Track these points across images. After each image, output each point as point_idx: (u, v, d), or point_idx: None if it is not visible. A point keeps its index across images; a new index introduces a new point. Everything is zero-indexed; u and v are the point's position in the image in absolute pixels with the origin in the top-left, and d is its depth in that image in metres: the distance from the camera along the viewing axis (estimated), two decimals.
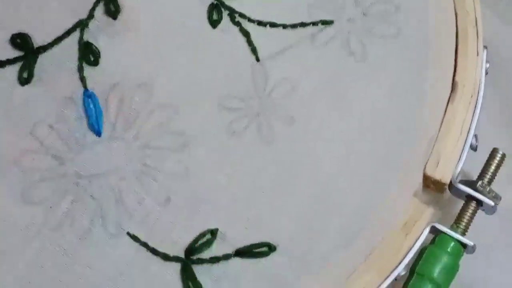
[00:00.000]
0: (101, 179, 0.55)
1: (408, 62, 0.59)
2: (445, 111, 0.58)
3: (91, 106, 0.56)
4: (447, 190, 0.57)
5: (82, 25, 0.59)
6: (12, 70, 0.58)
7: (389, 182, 0.56)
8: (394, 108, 0.57)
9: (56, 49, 0.58)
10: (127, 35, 0.59)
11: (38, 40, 0.59)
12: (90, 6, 0.59)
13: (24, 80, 0.58)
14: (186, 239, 0.54)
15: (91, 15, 0.59)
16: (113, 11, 0.59)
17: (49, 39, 0.59)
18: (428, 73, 0.58)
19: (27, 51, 0.58)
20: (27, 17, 0.59)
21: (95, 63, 0.58)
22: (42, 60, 0.58)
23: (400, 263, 0.54)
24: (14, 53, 0.58)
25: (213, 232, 0.54)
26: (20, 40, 0.58)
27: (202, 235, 0.54)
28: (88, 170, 0.55)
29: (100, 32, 0.59)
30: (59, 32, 0.59)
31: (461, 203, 0.57)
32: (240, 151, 0.56)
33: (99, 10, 0.59)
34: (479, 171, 0.57)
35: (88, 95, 0.57)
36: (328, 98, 0.58)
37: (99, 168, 0.56)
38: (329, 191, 0.56)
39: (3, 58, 0.58)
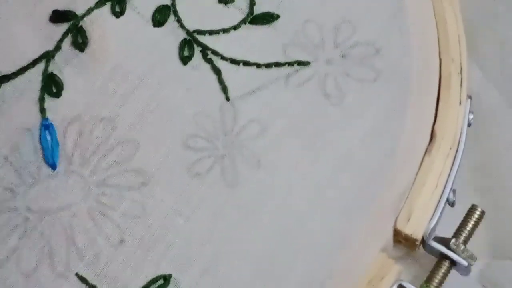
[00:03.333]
0: (53, 216, 0.53)
1: (386, 108, 0.56)
2: (421, 162, 0.54)
3: (48, 137, 0.54)
4: (421, 246, 0.53)
5: (48, 56, 0.57)
6: None
7: (356, 234, 0.53)
8: (367, 155, 0.54)
9: (19, 79, 0.56)
10: (93, 67, 0.57)
11: (2, 69, 0.57)
12: (58, 37, 0.57)
13: None
14: (138, 283, 0.51)
15: (58, 47, 0.57)
16: (80, 44, 0.57)
17: (14, 69, 0.57)
18: (406, 121, 0.55)
19: None
20: None
21: (57, 95, 0.56)
22: (4, 89, 0.56)
23: None
24: None
25: (166, 278, 0.51)
26: None
27: (154, 280, 0.51)
28: (40, 205, 0.53)
29: (66, 64, 0.57)
30: (24, 62, 0.57)
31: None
32: (201, 193, 0.54)
33: (67, 42, 0.57)
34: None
35: (46, 126, 0.54)
36: (299, 142, 0.55)
37: (51, 203, 0.53)
38: (291, 239, 0.52)
39: None
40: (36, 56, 0.57)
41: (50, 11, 0.58)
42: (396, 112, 0.56)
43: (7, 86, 0.56)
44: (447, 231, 0.55)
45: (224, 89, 0.56)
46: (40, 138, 0.55)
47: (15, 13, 0.59)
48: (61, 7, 0.58)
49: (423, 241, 0.53)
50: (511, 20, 0.72)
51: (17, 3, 0.59)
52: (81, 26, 0.58)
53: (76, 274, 0.52)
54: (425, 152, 0.55)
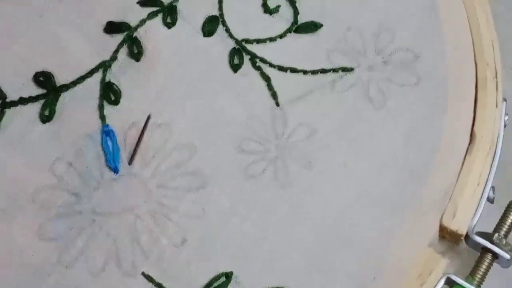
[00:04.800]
0: (117, 217, 0.55)
1: (427, 111, 0.59)
2: (463, 162, 0.58)
3: (109, 143, 0.57)
4: (463, 241, 0.56)
5: (105, 66, 0.60)
6: (33, 107, 0.59)
7: (403, 229, 0.56)
8: (410, 155, 0.58)
9: (78, 88, 0.59)
10: (148, 76, 0.60)
11: (61, 78, 0.59)
12: (113, 47, 0.60)
13: (46, 117, 0.58)
14: (200, 281, 0.54)
15: (114, 57, 0.60)
16: (135, 54, 0.60)
17: (72, 78, 0.59)
18: (446, 123, 0.59)
19: (49, 89, 0.59)
20: (51, 56, 0.60)
21: (116, 102, 0.59)
22: (64, 98, 0.59)
23: None
24: (37, 91, 0.59)
25: (228, 275, 0.54)
26: (43, 78, 0.59)
27: (217, 277, 0.54)
28: (105, 207, 0.56)
29: (122, 73, 0.60)
30: (82, 72, 0.59)
31: (476, 253, 0.57)
32: (256, 194, 0.57)
33: (123, 52, 0.60)
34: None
35: (106, 133, 0.57)
36: (345, 143, 0.58)
37: (115, 206, 0.56)
38: (342, 236, 0.56)
39: (26, 96, 0.59)
40: (93, 65, 0.60)
41: (103, 22, 0.61)
42: (436, 114, 0.59)
43: (67, 95, 0.59)
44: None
45: (274, 95, 0.59)
46: (102, 144, 0.57)
47: (68, 24, 0.61)
48: (113, 18, 0.61)
49: (466, 235, 0.56)
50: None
51: (69, 14, 0.62)
52: (136, 37, 0.60)
53: (142, 273, 0.54)
54: (466, 152, 0.58)
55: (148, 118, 0.55)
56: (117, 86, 0.59)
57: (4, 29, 0.61)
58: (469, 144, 0.59)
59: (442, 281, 0.55)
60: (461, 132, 0.59)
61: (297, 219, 0.56)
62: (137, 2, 0.62)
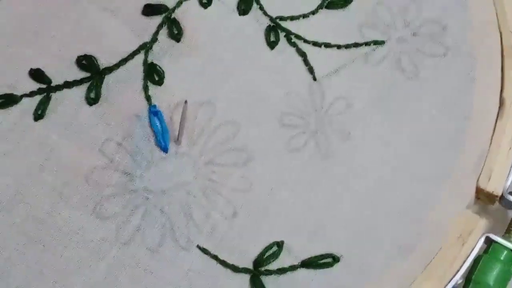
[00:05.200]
0: (170, 194, 0.58)
1: (457, 80, 0.62)
2: (494, 127, 0.61)
3: (157, 123, 0.59)
4: (497, 202, 0.60)
5: (146, 47, 0.61)
6: (79, 91, 0.60)
7: (443, 196, 0.59)
8: (444, 122, 0.60)
9: (121, 70, 0.61)
10: (189, 56, 0.61)
11: (103, 61, 0.61)
12: (153, 29, 0.62)
13: (92, 100, 0.60)
14: (253, 251, 0.57)
15: (155, 38, 0.62)
16: (175, 34, 0.62)
17: (114, 61, 0.61)
18: (476, 90, 0.61)
19: (93, 72, 0.61)
20: (92, 39, 0.62)
21: (160, 82, 0.60)
22: (108, 80, 0.61)
23: (457, 272, 0.57)
24: (81, 74, 0.61)
25: (279, 244, 0.57)
26: (86, 62, 0.61)
27: (269, 247, 0.57)
28: (157, 185, 0.58)
29: (164, 54, 0.61)
30: (124, 54, 0.61)
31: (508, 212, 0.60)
32: (300, 166, 0.59)
33: (162, 33, 0.62)
34: None
35: (154, 113, 0.59)
36: (382, 114, 0.61)
37: (167, 183, 0.58)
38: (384, 201, 0.58)
39: (70, 79, 0.60)
40: (134, 47, 0.61)
41: (139, 5, 0.63)
42: (466, 82, 0.62)
43: (110, 77, 0.61)
44: None
45: (311, 69, 0.62)
46: (150, 124, 0.59)
47: (106, 8, 0.63)
48: (150, 0, 0.63)
49: (501, 196, 0.59)
50: None
51: None
52: (174, 18, 0.62)
53: (198, 246, 0.57)
54: (497, 118, 0.61)
55: (185, 103, 0.57)
56: (160, 67, 0.61)
57: (43, 14, 0.62)
58: (499, 109, 0.61)
59: (482, 240, 0.58)
60: (491, 99, 0.61)
61: (340, 189, 0.59)
62: None
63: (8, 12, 0.63)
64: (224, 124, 0.60)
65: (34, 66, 0.61)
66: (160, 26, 0.62)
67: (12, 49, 0.62)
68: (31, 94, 0.60)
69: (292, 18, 0.63)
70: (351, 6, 0.64)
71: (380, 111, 0.61)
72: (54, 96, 0.60)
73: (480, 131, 0.61)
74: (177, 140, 0.58)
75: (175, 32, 0.62)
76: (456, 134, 0.60)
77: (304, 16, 0.63)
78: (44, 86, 0.60)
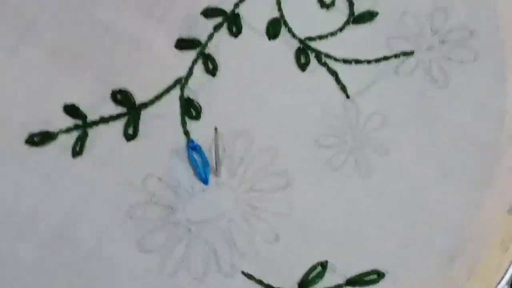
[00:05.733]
0: (212, 224, 0.59)
1: (488, 83, 0.62)
2: None
3: (196, 157, 0.60)
4: None
5: (181, 82, 0.62)
6: (116, 126, 0.61)
7: (485, 201, 0.58)
8: (481, 129, 0.60)
9: (157, 105, 0.62)
10: (224, 88, 0.62)
11: (138, 96, 0.62)
12: (188, 64, 0.63)
13: (130, 136, 0.61)
14: (298, 273, 0.58)
15: (190, 73, 0.63)
16: (211, 69, 0.63)
17: (149, 96, 0.62)
18: (508, 92, 0.61)
19: (129, 107, 0.62)
20: (125, 74, 0.63)
21: (197, 117, 0.61)
22: (144, 115, 0.62)
23: (502, 279, 0.57)
24: (116, 109, 0.62)
25: (323, 264, 0.57)
26: (120, 96, 0.62)
27: (313, 268, 0.57)
28: (199, 216, 0.59)
29: (200, 88, 0.62)
30: (159, 89, 0.62)
31: None
32: (340, 185, 0.60)
33: (197, 68, 0.63)
34: None
35: (193, 147, 0.60)
36: (418, 126, 0.61)
37: (209, 213, 0.59)
38: (426, 212, 0.59)
39: (106, 115, 0.62)
40: (169, 82, 0.62)
41: (173, 39, 0.64)
42: (498, 85, 0.62)
43: (147, 112, 0.62)
44: None
45: (343, 88, 0.62)
46: (189, 159, 0.60)
47: (138, 42, 0.64)
48: (180, 32, 0.64)
49: None
50: None
51: (136, 31, 0.64)
52: (209, 54, 0.63)
53: (242, 272, 0.58)
54: None
55: (216, 131, 0.57)
56: (197, 102, 0.62)
57: (75, 49, 0.64)
58: None
59: None
60: None
61: (383, 204, 0.59)
62: (201, 13, 0.64)
63: (39, 42, 0.64)
64: (262, 150, 0.61)
65: (68, 101, 0.62)
66: (194, 61, 0.63)
67: (44, 82, 0.62)
68: (68, 130, 0.61)
69: (320, 37, 0.63)
70: (378, 18, 0.64)
71: (415, 123, 0.61)
72: (91, 131, 0.61)
73: None
74: (216, 171, 0.59)
75: (211, 67, 0.63)
76: (493, 138, 0.60)
77: (332, 34, 0.64)
78: (79, 121, 0.61)
